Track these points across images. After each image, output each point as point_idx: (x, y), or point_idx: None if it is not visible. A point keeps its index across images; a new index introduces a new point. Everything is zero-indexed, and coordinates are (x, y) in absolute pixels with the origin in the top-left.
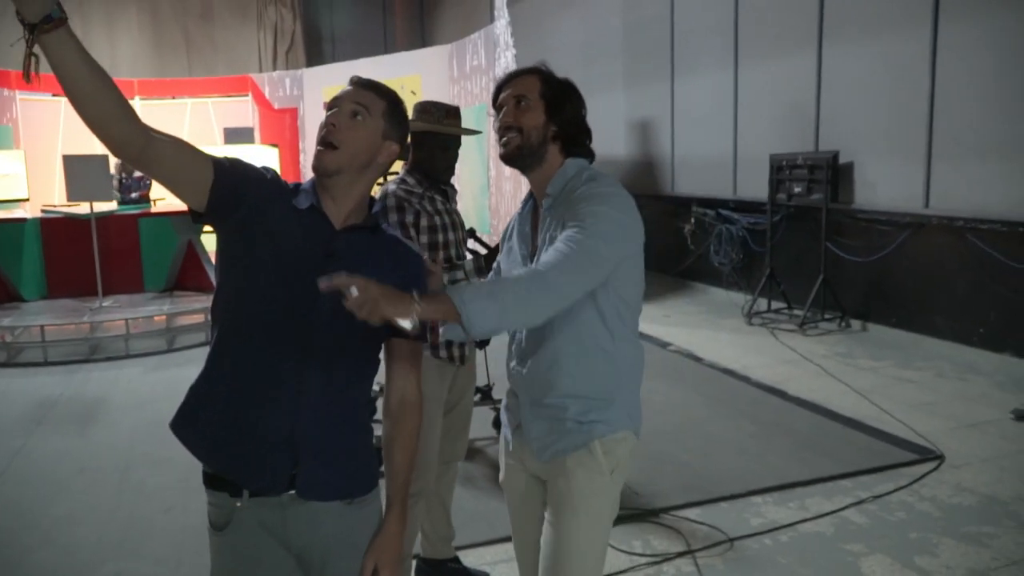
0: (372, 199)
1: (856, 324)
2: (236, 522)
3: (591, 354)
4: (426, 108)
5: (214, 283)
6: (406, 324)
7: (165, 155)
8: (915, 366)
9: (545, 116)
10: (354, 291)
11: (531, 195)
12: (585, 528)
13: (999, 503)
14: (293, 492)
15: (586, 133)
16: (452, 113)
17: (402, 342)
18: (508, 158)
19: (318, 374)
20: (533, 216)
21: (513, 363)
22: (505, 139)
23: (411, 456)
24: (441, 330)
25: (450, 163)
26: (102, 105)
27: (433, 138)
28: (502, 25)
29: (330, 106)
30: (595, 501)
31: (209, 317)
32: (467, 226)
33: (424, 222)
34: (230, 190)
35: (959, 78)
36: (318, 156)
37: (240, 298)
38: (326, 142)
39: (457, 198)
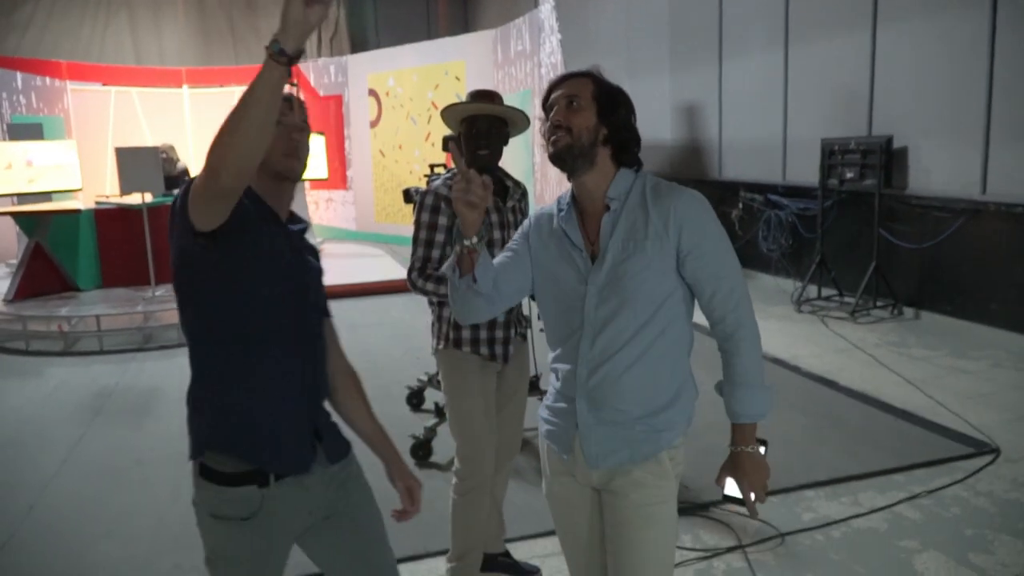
0: None
1: (909, 312)
2: (266, 508)
3: (666, 357)
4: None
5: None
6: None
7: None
8: (970, 356)
9: (596, 118)
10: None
11: (573, 200)
12: (661, 537)
13: None
14: (314, 464)
15: (636, 141)
16: (480, 96)
17: (329, 322)
18: (557, 157)
19: (313, 360)
20: (583, 222)
21: (572, 367)
22: (554, 138)
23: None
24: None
25: (478, 147)
26: (255, 159)
27: (466, 125)
28: (547, 10)
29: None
30: (666, 508)
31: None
32: None
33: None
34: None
35: (1019, 59)
36: (290, 164)
37: (248, 308)
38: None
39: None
